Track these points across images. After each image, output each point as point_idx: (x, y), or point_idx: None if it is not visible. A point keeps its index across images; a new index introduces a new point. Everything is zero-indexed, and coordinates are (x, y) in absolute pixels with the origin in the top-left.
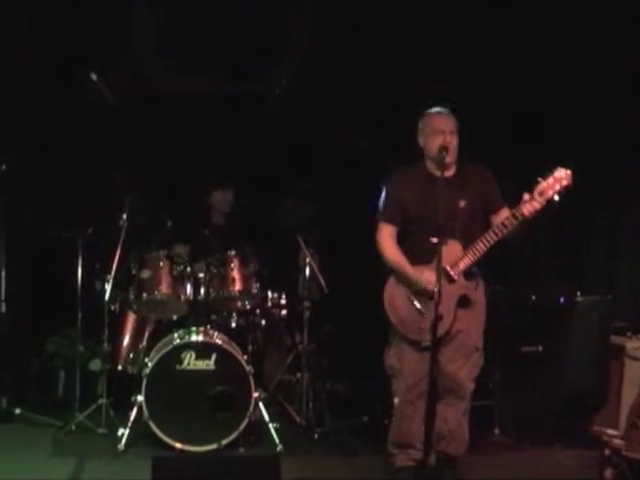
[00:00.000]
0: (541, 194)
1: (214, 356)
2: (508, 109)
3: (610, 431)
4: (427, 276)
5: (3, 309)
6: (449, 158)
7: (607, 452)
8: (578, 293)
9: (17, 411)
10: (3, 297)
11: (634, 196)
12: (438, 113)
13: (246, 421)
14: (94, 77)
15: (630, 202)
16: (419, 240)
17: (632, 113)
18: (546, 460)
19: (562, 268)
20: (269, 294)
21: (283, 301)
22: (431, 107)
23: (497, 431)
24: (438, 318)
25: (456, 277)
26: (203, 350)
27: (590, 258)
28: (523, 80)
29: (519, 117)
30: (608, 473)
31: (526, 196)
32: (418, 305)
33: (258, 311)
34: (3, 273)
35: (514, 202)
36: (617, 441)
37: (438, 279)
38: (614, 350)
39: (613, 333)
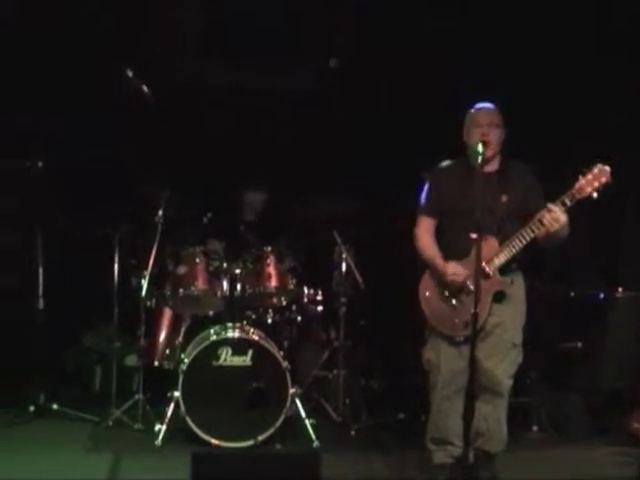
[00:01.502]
0: (579, 191)
1: (250, 352)
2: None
3: None
4: (452, 268)
5: (41, 305)
6: (489, 152)
7: None
8: (620, 289)
9: (54, 407)
10: (41, 293)
11: None
12: (480, 108)
13: (282, 417)
14: (130, 74)
15: None
16: (456, 234)
17: None
18: (585, 457)
19: (599, 263)
20: (305, 290)
21: (319, 297)
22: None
23: (535, 428)
24: (475, 314)
25: (491, 273)
26: (240, 346)
27: (627, 253)
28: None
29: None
30: None
31: (550, 205)
32: (452, 300)
33: (294, 307)
34: (41, 270)
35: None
36: None
37: (477, 275)
38: None
39: None
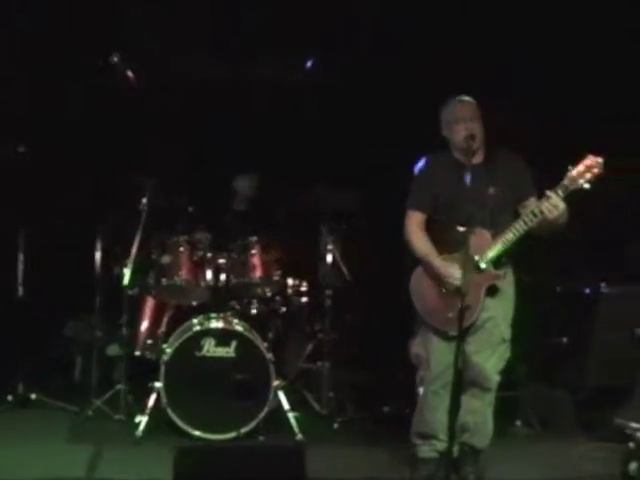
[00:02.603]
0: (571, 182)
1: (234, 343)
2: (539, 96)
3: (633, 424)
4: (452, 272)
5: (20, 292)
6: (475, 145)
7: (631, 445)
8: (602, 284)
9: (33, 396)
10: (20, 281)
11: None
12: (459, 101)
13: (266, 409)
14: (116, 59)
15: None
16: (447, 228)
17: None
18: (570, 452)
19: (590, 258)
20: (290, 281)
21: (304, 288)
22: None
23: (519, 422)
24: (465, 308)
25: (485, 266)
26: (223, 337)
27: (614, 247)
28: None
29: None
30: (632, 466)
31: (548, 192)
32: (444, 294)
33: (278, 298)
34: (21, 257)
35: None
36: None
37: (465, 268)
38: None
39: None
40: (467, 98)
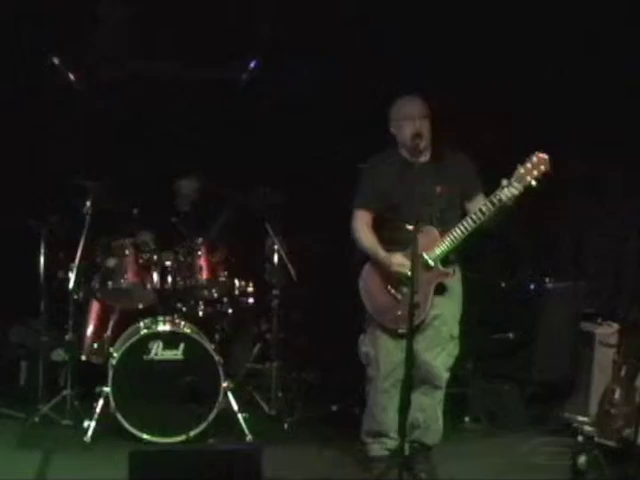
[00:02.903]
0: (519, 180)
1: (182, 346)
2: (487, 94)
3: (580, 417)
4: (397, 259)
5: None
6: (422, 143)
7: (580, 439)
8: (547, 280)
9: None
10: None
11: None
12: (407, 100)
13: (215, 411)
14: (56, 61)
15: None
16: (396, 227)
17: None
18: (519, 447)
19: (534, 255)
20: (236, 282)
21: (250, 289)
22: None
23: (467, 419)
24: (414, 306)
25: (432, 264)
26: (171, 340)
27: (558, 244)
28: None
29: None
30: (581, 460)
31: (504, 182)
32: (394, 292)
33: (225, 300)
34: None
35: (492, 189)
36: (589, 428)
37: (414, 267)
38: (584, 336)
39: (583, 319)
40: (414, 97)
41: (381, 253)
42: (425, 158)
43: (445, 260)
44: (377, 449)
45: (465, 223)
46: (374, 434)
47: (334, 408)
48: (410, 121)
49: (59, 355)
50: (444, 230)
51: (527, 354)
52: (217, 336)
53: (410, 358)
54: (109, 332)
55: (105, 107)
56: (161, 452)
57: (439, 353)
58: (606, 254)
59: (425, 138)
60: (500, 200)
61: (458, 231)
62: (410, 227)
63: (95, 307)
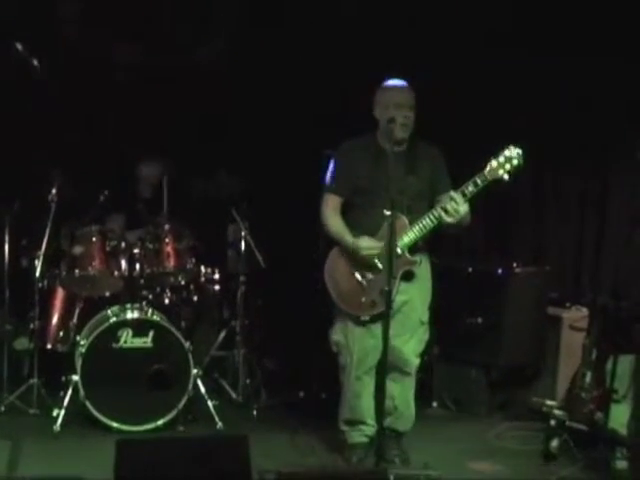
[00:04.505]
0: (492, 173)
1: (151, 333)
2: (460, 88)
3: (549, 402)
4: (363, 242)
5: None
6: (403, 133)
7: (553, 423)
8: (514, 264)
9: None
10: None
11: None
12: (395, 86)
13: (185, 399)
14: (19, 47)
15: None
16: (365, 213)
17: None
18: (488, 432)
19: (494, 239)
20: (202, 269)
21: (217, 276)
22: (389, 79)
23: (436, 404)
24: (387, 291)
25: (400, 252)
26: (140, 327)
27: (519, 228)
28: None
29: (469, 97)
30: (554, 443)
31: (452, 194)
32: (359, 278)
33: (192, 287)
34: None
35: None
36: (558, 412)
37: (390, 253)
38: (551, 321)
39: (551, 304)
40: (404, 84)
41: (348, 238)
42: (401, 147)
43: (413, 248)
44: (355, 436)
45: (435, 212)
46: (351, 422)
47: (301, 394)
48: (399, 109)
49: (22, 344)
50: (412, 219)
51: (493, 339)
52: (183, 323)
53: (386, 344)
54: (75, 320)
55: (69, 92)
56: (148, 441)
57: (408, 339)
58: (566, 238)
59: (407, 128)
60: (471, 192)
61: (427, 220)
62: (387, 212)
63: (60, 295)
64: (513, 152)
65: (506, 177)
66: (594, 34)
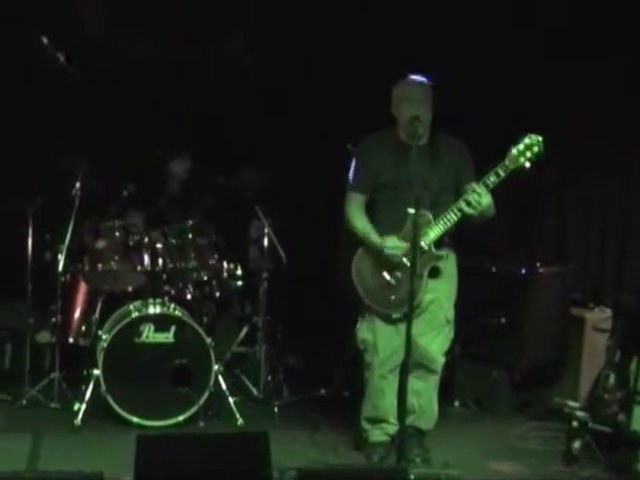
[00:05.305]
0: (512, 162)
1: (173, 328)
2: (480, 79)
3: (571, 403)
4: (390, 242)
5: None
6: (421, 129)
7: (575, 424)
8: (538, 264)
9: None
10: None
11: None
12: (413, 82)
13: (207, 394)
14: (45, 41)
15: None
16: (389, 209)
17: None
18: (509, 432)
19: (517, 238)
20: (225, 265)
21: (239, 272)
22: (407, 75)
23: (458, 403)
24: (413, 290)
25: (427, 247)
26: (162, 322)
27: (543, 227)
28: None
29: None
30: (576, 444)
31: (474, 185)
32: (387, 277)
33: (214, 282)
34: None
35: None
36: (581, 413)
37: (414, 251)
38: (574, 321)
39: (574, 304)
40: (421, 79)
41: (374, 237)
42: (422, 141)
43: (439, 243)
44: (378, 434)
45: (461, 203)
46: (373, 420)
47: (323, 392)
48: (411, 103)
49: (44, 337)
50: (436, 214)
51: (516, 339)
52: (205, 319)
53: (409, 342)
54: (97, 314)
55: (94, 87)
56: (168, 437)
57: (435, 337)
58: (589, 238)
59: (424, 123)
60: (493, 182)
61: (452, 214)
62: (411, 210)
63: (82, 289)
64: (533, 139)
65: (527, 165)
66: (620, 33)
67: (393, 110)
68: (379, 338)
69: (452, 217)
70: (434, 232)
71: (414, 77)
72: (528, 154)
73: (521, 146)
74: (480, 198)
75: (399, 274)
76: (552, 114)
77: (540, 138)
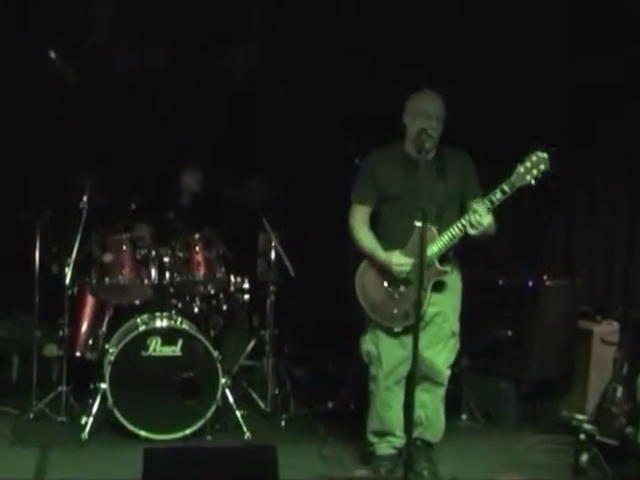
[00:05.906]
0: (519, 179)
1: (180, 342)
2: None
3: (579, 416)
4: (397, 259)
5: None
6: (429, 143)
7: (582, 437)
8: (545, 277)
9: None
10: None
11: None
12: (426, 95)
13: (214, 408)
14: (53, 55)
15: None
16: (394, 222)
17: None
18: (517, 445)
19: (524, 250)
20: (232, 279)
21: (246, 285)
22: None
23: (465, 416)
24: (418, 302)
25: (431, 262)
26: (169, 336)
27: (550, 240)
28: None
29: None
30: (584, 458)
31: (475, 205)
32: (391, 291)
33: (221, 296)
34: None
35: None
36: (588, 426)
37: (421, 263)
38: (582, 334)
39: (581, 317)
40: (435, 94)
41: (380, 252)
42: (429, 156)
43: (443, 257)
44: (384, 447)
45: (463, 221)
46: (380, 433)
47: (330, 405)
48: (422, 117)
49: (51, 351)
50: (440, 228)
51: (523, 352)
52: (212, 332)
53: (416, 355)
54: (104, 328)
55: (100, 99)
56: (176, 450)
57: (441, 350)
58: (597, 251)
59: (433, 138)
60: (498, 199)
61: (456, 229)
62: (418, 224)
63: (90, 302)
64: (540, 157)
65: (533, 183)
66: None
67: (405, 119)
68: (382, 350)
69: (457, 232)
70: (438, 246)
71: (428, 91)
72: (534, 172)
73: (528, 163)
74: (481, 218)
75: (402, 288)
76: (560, 125)
77: (546, 155)
